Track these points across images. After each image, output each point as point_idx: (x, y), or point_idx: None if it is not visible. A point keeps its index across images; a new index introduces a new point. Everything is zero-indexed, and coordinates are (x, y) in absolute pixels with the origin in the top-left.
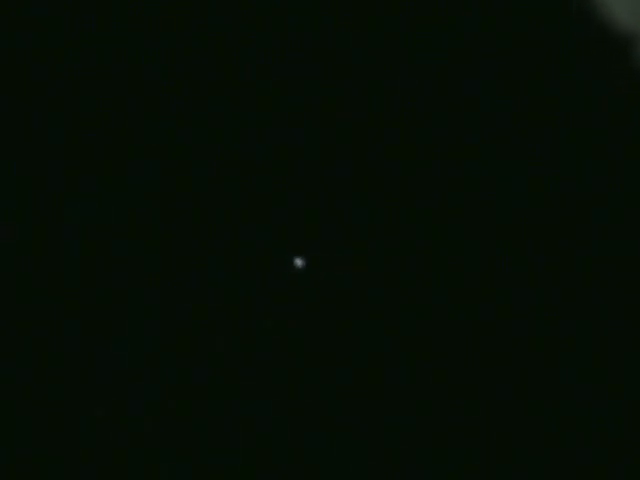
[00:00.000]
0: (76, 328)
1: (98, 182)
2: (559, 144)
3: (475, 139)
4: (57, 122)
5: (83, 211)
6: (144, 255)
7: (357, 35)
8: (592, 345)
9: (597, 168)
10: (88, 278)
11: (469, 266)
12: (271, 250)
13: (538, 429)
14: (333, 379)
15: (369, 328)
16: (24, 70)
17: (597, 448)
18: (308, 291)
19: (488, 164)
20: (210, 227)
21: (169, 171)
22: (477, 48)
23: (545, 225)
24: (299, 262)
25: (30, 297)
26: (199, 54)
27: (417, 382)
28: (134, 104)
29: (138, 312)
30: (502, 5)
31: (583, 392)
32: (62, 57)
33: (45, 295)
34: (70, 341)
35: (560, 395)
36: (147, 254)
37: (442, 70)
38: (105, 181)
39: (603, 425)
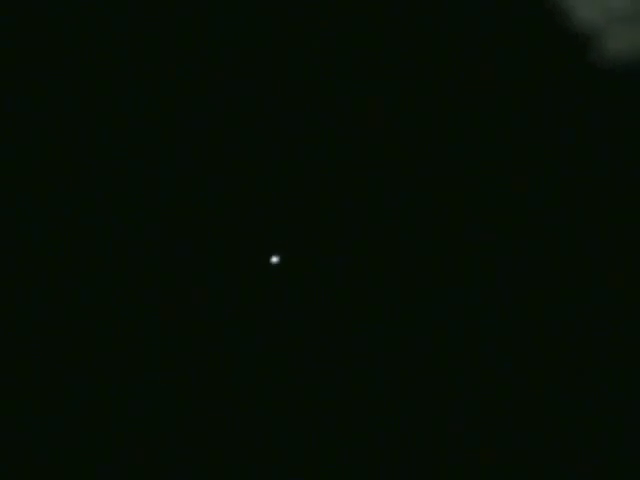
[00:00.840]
0: (76, 327)
1: (95, 181)
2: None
3: (462, 140)
4: (56, 122)
5: (76, 210)
6: (126, 256)
7: (357, 35)
8: (592, 345)
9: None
10: (79, 275)
11: (469, 266)
12: (255, 249)
13: (538, 429)
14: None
15: (354, 326)
16: (24, 70)
17: (597, 448)
18: (290, 290)
19: (480, 164)
20: (194, 227)
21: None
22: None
23: (544, 225)
24: (275, 259)
25: (30, 297)
26: (198, 54)
27: (413, 382)
28: (132, 104)
29: (121, 312)
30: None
31: (583, 392)
32: (62, 57)
33: (44, 295)
34: (70, 340)
35: (560, 395)
36: (133, 255)
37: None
38: (99, 180)
39: (603, 425)
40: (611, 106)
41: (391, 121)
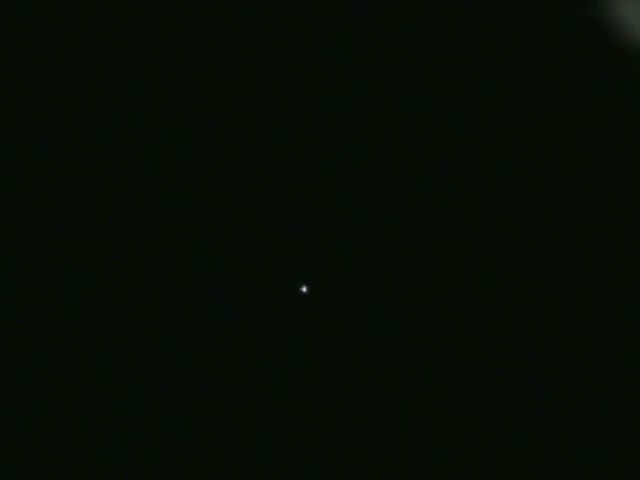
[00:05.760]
0: (76, 328)
1: (99, 187)
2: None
3: (473, 141)
4: (57, 122)
5: (82, 215)
6: (148, 269)
7: (357, 36)
8: (592, 345)
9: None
10: (88, 281)
11: (472, 270)
12: (278, 273)
13: (538, 429)
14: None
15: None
16: (24, 70)
17: (597, 448)
18: (312, 313)
19: (487, 166)
20: (213, 247)
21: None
22: (476, 50)
23: (544, 226)
24: (304, 289)
25: (30, 297)
26: (198, 55)
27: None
28: (132, 105)
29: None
30: (503, 7)
31: (583, 392)
32: (62, 57)
33: (44, 295)
34: (69, 341)
35: (560, 395)
36: (149, 267)
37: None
38: (105, 187)
39: (603, 425)
40: None
41: (392, 121)
